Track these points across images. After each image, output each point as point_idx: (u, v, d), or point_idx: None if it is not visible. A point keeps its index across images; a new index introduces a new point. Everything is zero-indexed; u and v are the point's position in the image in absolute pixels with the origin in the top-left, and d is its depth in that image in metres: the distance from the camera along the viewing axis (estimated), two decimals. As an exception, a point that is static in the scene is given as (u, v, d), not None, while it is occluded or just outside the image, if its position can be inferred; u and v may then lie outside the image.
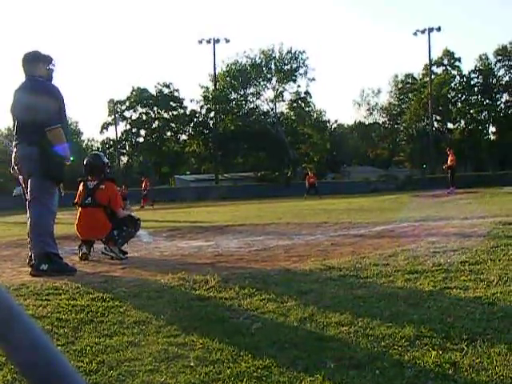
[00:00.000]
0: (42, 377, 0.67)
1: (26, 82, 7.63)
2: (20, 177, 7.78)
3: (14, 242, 12.10)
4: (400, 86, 78.03)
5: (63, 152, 7.45)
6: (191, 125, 74.14)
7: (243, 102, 72.06)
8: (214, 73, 69.60)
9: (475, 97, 73.71)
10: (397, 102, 78.38)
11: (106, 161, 9.30)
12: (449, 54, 72.70)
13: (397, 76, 78.50)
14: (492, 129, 77.69)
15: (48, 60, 7.77)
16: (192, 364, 3.52)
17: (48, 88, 7.57)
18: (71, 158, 7.66)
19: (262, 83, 71.22)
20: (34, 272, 7.15)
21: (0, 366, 3.49)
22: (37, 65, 7.61)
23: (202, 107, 72.97)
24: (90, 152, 9.79)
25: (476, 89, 73.25)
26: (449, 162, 32.74)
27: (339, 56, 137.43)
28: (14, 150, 7.64)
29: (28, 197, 7.51)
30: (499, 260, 6.57)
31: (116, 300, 5.36)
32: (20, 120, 7.56)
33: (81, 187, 9.05)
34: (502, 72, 74.29)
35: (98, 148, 78.45)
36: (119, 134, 76.78)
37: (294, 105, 72.68)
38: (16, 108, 7.63)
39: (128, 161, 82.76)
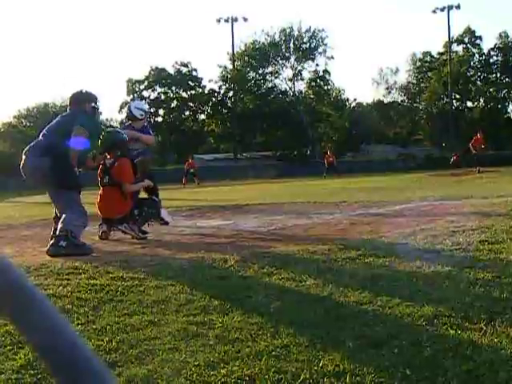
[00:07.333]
0: (61, 360, 0.68)
1: (70, 113, 8.17)
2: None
3: (34, 222, 12.18)
4: (418, 64, 77.18)
5: (75, 144, 7.55)
6: (210, 104, 73.73)
7: (262, 81, 71.58)
8: (233, 52, 69.23)
9: (495, 75, 72.86)
10: (415, 81, 77.64)
11: (122, 138, 8.99)
12: (470, 32, 71.75)
13: (415, 55, 77.70)
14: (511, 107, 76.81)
15: (93, 99, 8.26)
16: (211, 342, 3.54)
17: (89, 124, 7.91)
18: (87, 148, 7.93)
19: (280, 62, 70.71)
20: (52, 248, 7.17)
21: (21, 345, 3.53)
22: (83, 104, 8.10)
23: (220, 87, 72.68)
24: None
25: (495, 67, 72.36)
26: (471, 144, 32.60)
27: (357, 34, 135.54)
28: (23, 157, 7.74)
29: (55, 210, 7.93)
30: (519, 239, 6.55)
31: (135, 279, 5.39)
32: (48, 138, 7.82)
33: (101, 166, 9.00)
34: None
35: (117, 127, 78.23)
36: (138, 114, 76.44)
37: (313, 84, 72.21)
38: (51, 128, 7.97)
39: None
